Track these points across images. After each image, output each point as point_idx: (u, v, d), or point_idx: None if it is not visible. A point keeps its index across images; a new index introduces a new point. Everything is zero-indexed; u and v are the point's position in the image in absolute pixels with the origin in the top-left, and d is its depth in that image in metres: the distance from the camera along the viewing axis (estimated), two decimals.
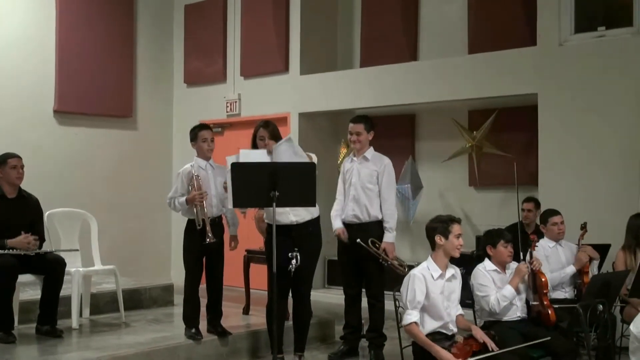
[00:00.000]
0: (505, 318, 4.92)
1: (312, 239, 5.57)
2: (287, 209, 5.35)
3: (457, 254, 4.62)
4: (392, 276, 5.82)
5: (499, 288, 4.94)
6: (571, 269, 5.77)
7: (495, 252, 5.01)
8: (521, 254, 5.35)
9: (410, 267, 5.01)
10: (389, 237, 5.89)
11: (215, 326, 5.92)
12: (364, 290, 6.08)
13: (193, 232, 5.74)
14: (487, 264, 5.03)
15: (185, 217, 5.81)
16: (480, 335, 4.49)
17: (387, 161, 6.01)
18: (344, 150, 8.88)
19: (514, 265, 5.08)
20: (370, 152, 6.02)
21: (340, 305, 6.31)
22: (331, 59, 9.56)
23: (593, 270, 5.84)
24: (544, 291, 5.02)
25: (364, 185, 5.92)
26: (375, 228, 5.89)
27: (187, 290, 5.81)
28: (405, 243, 8.60)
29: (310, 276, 5.65)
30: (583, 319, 4.74)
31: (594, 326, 4.95)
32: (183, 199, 5.68)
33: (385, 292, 5.94)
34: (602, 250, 6.17)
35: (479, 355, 4.37)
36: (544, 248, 5.80)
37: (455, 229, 4.59)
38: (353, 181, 5.96)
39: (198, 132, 5.84)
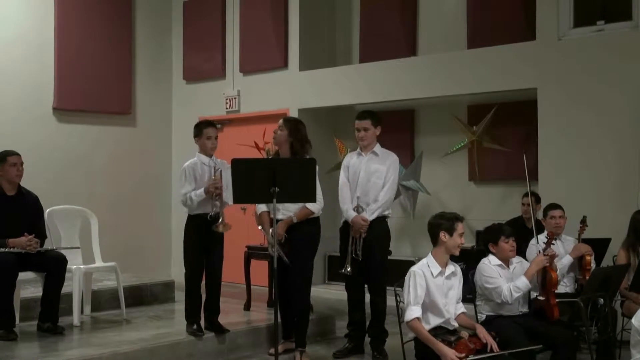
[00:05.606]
0: (507, 313, 4.91)
1: (303, 230, 5.58)
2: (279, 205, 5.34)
3: (457, 252, 4.61)
4: (395, 272, 5.82)
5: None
6: (568, 259, 5.77)
7: (497, 249, 4.98)
8: (538, 248, 5.34)
9: (409, 263, 5.00)
10: (365, 214, 5.75)
11: (213, 322, 5.90)
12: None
13: (194, 229, 5.73)
14: (491, 258, 4.99)
15: (196, 212, 5.69)
16: (484, 335, 4.49)
17: (394, 157, 5.98)
18: (340, 146, 8.85)
19: (516, 260, 5.08)
20: (378, 148, 5.97)
21: (340, 301, 6.31)
22: (330, 55, 9.56)
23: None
24: (552, 289, 5.01)
25: (372, 181, 5.86)
26: (379, 225, 5.84)
27: (189, 287, 5.80)
28: (406, 238, 8.63)
29: (304, 267, 5.63)
30: (584, 313, 4.75)
31: (595, 320, 4.96)
32: (200, 190, 5.61)
33: (387, 287, 5.91)
34: (602, 244, 6.17)
35: (481, 354, 4.38)
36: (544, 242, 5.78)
37: (460, 227, 4.58)
38: (361, 176, 5.88)
39: (203, 129, 5.80)
